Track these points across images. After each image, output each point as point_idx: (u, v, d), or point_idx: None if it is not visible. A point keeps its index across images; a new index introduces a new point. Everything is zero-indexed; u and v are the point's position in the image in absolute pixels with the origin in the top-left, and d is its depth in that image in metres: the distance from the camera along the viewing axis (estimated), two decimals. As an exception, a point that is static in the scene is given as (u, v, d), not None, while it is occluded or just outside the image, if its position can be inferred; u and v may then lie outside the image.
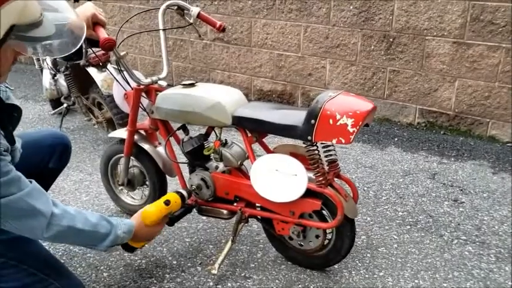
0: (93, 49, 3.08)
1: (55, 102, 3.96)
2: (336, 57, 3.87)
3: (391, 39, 3.59)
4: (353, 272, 1.98)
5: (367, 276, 1.96)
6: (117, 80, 2.13)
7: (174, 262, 2.06)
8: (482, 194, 2.63)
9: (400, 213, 2.44)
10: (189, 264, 2.04)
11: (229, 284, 1.91)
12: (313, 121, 1.63)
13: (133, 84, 2.05)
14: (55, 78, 3.57)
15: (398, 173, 2.92)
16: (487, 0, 3.16)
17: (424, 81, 3.57)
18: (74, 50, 1.35)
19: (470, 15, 3.25)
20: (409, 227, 2.32)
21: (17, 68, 5.94)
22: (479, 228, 2.30)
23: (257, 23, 4.19)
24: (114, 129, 3.35)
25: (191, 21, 2.12)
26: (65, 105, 3.64)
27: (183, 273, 1.99)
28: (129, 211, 2.40)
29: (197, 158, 2.00)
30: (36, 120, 4.00)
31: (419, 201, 2.56)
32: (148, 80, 2.01)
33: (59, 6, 1.32)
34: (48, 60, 3.63)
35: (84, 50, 3.09)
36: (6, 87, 1.50)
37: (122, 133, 2.25)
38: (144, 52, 5.15)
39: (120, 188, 2.42)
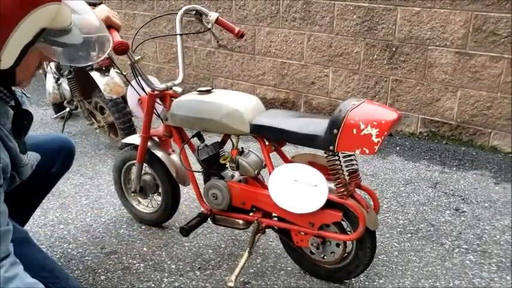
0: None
1: (58, 106, 3.96)
2: (339, 66, 3.88)
3: (393, 49, 3.60)
4: (353, 279, 1.96)
5: (367, 283, 1.94)
6: (131, 85, 2.11)
7: (173, 266, 2.05)
8: (484, 204, 2.61)
9: (401, 222, 2.43)
10: (187, 269, 2.03)
11: (227, 289, 1.89)
12: (335, 130, 1.59)
13: (148, 90, 2.03)
14: (58, 82, 3.58)
15: (399, 181, 2.90)
16: (489, 11, 3.16)
17: (426, 91, 3.57)
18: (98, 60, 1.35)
19: (473, 26, 3.26)
20: (410, 235, 2.31)
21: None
22: (481, 237, 2.29)
23: (261, 31, 4.21)
24: (115, 133, 3.35)
25: (209, 26, 2.12)
26: (67, 109, 3.64)
27: (181, 278, 1.97)
28: (141, 218, 2.38)
29: (212, 166, 1.97)
30: (38, 124, 4.00)
31: (421, 210, 2.55)
32: (163, 86, 1.99)
33: (80, 9, 1.34)
34: (52, 64, 3.64)
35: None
36: (23, 93, 1.49)
37: (135, 139, 2.22)
38: (147, 59, 5.17)
39: (133, 194, 2.39)
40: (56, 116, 3.73)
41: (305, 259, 1.95)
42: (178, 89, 2.05)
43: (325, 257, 1.88)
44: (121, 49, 1.69)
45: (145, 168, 2.26)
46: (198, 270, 2.01)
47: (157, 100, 2.06)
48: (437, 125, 3.60)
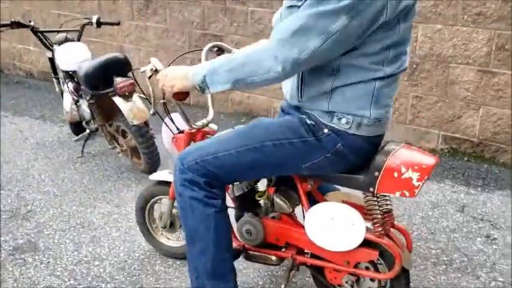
0: (120, 79, 3.08)
1: (75, 126, 3.95)
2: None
3: (414, 66, 3.58)
4: (394, 319, 1.96)
5: (409, 323, 1.94)
6: (164, 123, 2.11)
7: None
8: (514, 230, 2.62)
9: (434, 251, 2.43)
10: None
11: (271, 333, 1.90)
12: (376, 173, 1.60)
13: (182, 127, 2.04)
14: (78, 104, 3.56)
15: (426, 205, 2.90)
16: (513, 29, 3.16)
17: (447, 108, 3.56)
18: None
19: (496, 44, 3.25)
20: (444, 266, 2.31)
21: (30, 84, 5.95)
22: (516, 268, 2.30)
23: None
24: (138, 157, 3.35)
25: None
26: (87, 130, 3.63)
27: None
28: (168, 253, 2.39)
29: (246, 202, 1.97)
30: (56, 144, 3.99)
31: (452, 238, 2.55)
32: (200, 124, 1.99)
33: None
34: (70, 84, 3.62)
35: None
36: None
37: (165, 176, 2.22)
38: (160, 71, 5.14)
39: (161, 231, 2.40)
40: (76, 138, 3.71)
41: None
42: (214, 126, 2.06)
43: None
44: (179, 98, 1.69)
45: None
46: (239, 312, 2.01)
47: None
48: (459, 142, 3.60)
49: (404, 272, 1.78)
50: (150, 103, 1.97)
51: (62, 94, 3.91)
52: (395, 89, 1.61)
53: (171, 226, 2.29)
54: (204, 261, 1.76)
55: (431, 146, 3.72)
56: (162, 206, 2.33)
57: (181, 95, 1.68)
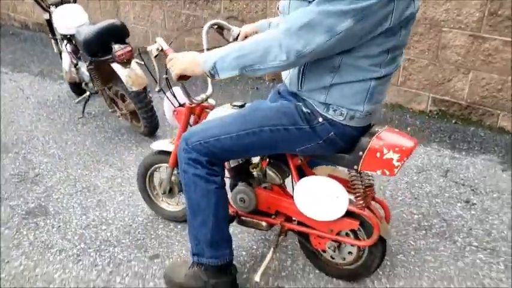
0: (118, 46, 3.14)
1: (75, 86, 4.03)
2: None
3: (407, 29, 3.63)
4: (375, 282, 2.18)
5: (388, 286, 2.16)
6: (166, 97, 2.23)
7: (212, 270, 2.26)
8: (493, 195, 2.81)
9: (416, 216, 2.63)
10: (226, 273, 2.24)
11: (264, 295, 2.11)
12: (361, 153, 1.76)
13: (183, 101, 2.18)
14: (77, 67, 3.63)
15: (412, 169, 3.08)
16: (505, -4, 3.20)
17: (438, 71, 3.66)
18: None
19: (488, 10, 3.30)
20: (424, 231, 2.51)
21: (26, 36, 5.94)
22: (490, 233, 2.49)
23: (273, 5, 4.18)
24: (137, 120, 3.47)
25: (230, 40, 2.20)
26: (87, 93, 3.72)
27: (221, 283, 2.18)
28: (169, 217, 2.57)
29: (241, 173, 2.14)
30: (57, 104, 4.10)
31: (433, 203, 2.74)
32: (199, 99, 2.10)
33: None
34: (69, 47, 3.68)
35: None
36: None
37: (165, 145, 2.37)
38: (155, 25, 5.15)
39: (160, 197, 2.57)
40: (77, 101, 3.81)
41: (319, 259, 2.19)
42: (212, 101, 2.20)
43: (338, 259, 2.10)
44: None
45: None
46: (237, 275, 2.21)
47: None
48: (448, 105, 3.72)
49: (382, 240, 1.99)
50: (156, 80, 2.07)
51: (60, 54, 3.97)
52: (388, 85, 1.73)
53: (170, 192, 2.47)
54: (205, 231, 1.94)
55: (421, 108, 3.85)
56: (161, 173, 2.50)
57: (185, 77, 1.80)
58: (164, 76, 2.02)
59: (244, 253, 2.37)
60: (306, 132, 1.75)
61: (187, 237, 2.05)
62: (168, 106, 2.32)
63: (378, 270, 2.24)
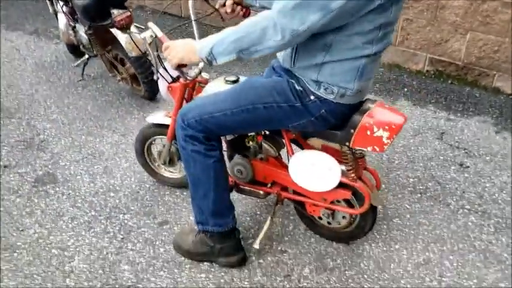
0: (117, 11, 3.11)
1: (73, 47, 4.01)
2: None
3: (407, -11, 3.62)
4: (373, 245, 2.32)
5: (384, 249, 2.30)
6: (159, 73, 2.25)
7: (218, 235, 2.38)
8: (485, 157, 2.91)
9: (411, 180, 2.74)
10: (231, 238, 2.36)
11: (269, 258, 2.25)
12: (352, 130, 1.83)
13: (175, 75, 2.23)
14: (75, 30, 3.60)
15: (408, 132, 3.16)
16: (506, -44, 3.17)
17: (436, 32, 3.67)
18: None
19: (488, -30, 3.28)
20: (419, 195, 2.63)
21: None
22: (481, 196, 2.62)
23: None
24: (138, 83, 3.49)
25: (217, 6, 2.20)
26: (86, 56, 3.71)
27: (228, 248, 2.31)
28: (170, 184, 2.67)
29: (237, 145, 2.22)
30: (55, 65, 4.09)
31: (428, 166, 2.85)
32: (194, 74, 2.11)
33: None
34: (65, 8, 3.63)
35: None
36: None
37: (163, 119, 2.42)
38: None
39: (158, 164, 2.65)
40: (76, 64, 3.79)
41: (316, 224, 2.32)
42: (206, 75, 2.24)
43: (333, 224, 2.23)
44: None
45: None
46: (242, 240, 2.33)
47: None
48: (444, 65, 3.76)
49: (373, 208, 2.11)
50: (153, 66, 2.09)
51: (56, 15, 3.92)
52: (377, 64, 1.78)
53: (170, 162, 2.55)
54: (207, 203, 2.04)
55: (418, 68, 3.89)
56: (158, 145, 2.58)
57: (183, 65, 1.83)
58: (156, 53, 2.05)
59: (248, 219, 2.48)
60: (298, 109, 1.81)
61: (192, 208, 2.15)
62: (162, 82, 2.35)
63: (376, 234, 2.37)
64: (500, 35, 3.42)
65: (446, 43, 3.67)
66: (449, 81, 3.75)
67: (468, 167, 2.84)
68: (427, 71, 3.86)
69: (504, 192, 2.64)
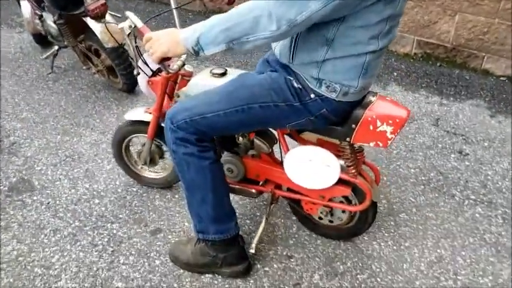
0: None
1: (39, 37, 3.70)
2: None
3: (394, -31, 3.47)
4: (382, 244, 2.20)
5: (395, 248, 2.19)
6: (138, 66, 2.03)
7: (218, 242, 2.21)
8: (484, 143, 2.83)
9: (413, 171, 2.63)
10: (232, 244, 2.20)
11: (275, 266, 2.10)
12: (354, 125, 1.70)
13: (155, 67, 2.05)
14: (41, 19, 3.31)
15: (403, 119, 3.05)
16: None
17: (424, 13, 3.55)
18: None
19: None
20: (423, 186, 2.53)
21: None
22: (485, 185, 2.54)
23: None
24: (115, 76, 3.25)
25: None
26: (56, 47, 3.42)
27: (229, 255, 2.14)
28: (157, 185, 2.47)
29: (226, 143, 2.06)
30: (20, 56, 3.78)
31: (428, 155, 2.74)
32: (176, 67, 1.91)
33: None
34: (28, -5, 3.33)
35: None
36: None
37: (140, 115, 2.22)
38: None
39: (141, 167, 2.46)
40: (44, 57, 3.49)
41: (313, 224, 2.19)
42: (190, 68, 2.04)
43: (333, 222, 2.11)
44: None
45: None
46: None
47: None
48: (433, 47, 3.66)
49: (373, 203, 1.99)
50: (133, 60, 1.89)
51: (18, 1, 3.60)
52: (382, 59, 1.63)
53: (151, 162, 2.36)
54: (206, 208, 1.87)
55: (406, 51, 3.78)
56: (135, 145, 2.39)
57: (167, 59, 1.64)
58: (135, 44, 1.85)
59: (248, 221, 2.32)
60: (296, 109, 1.65)
61: (186, 206, 1.98)
62: (141, 76, 2.13)
63: (384, 232, 2.26)
64: (489, 16, 3.33)
65: (434, 25, 3.56)
66: (438, 64, 3.66)
67: (468, 154, 2.76)
68: (415, 53, 3.75)
69: (507, 180, 2.57)
